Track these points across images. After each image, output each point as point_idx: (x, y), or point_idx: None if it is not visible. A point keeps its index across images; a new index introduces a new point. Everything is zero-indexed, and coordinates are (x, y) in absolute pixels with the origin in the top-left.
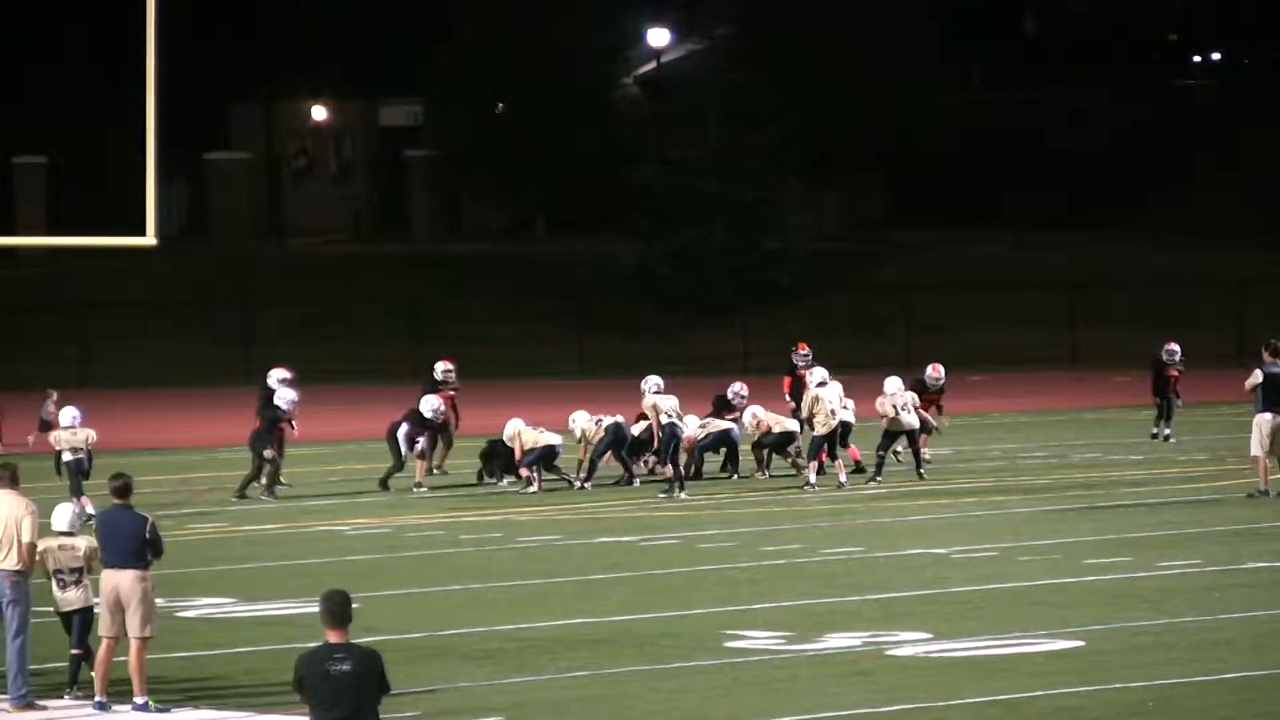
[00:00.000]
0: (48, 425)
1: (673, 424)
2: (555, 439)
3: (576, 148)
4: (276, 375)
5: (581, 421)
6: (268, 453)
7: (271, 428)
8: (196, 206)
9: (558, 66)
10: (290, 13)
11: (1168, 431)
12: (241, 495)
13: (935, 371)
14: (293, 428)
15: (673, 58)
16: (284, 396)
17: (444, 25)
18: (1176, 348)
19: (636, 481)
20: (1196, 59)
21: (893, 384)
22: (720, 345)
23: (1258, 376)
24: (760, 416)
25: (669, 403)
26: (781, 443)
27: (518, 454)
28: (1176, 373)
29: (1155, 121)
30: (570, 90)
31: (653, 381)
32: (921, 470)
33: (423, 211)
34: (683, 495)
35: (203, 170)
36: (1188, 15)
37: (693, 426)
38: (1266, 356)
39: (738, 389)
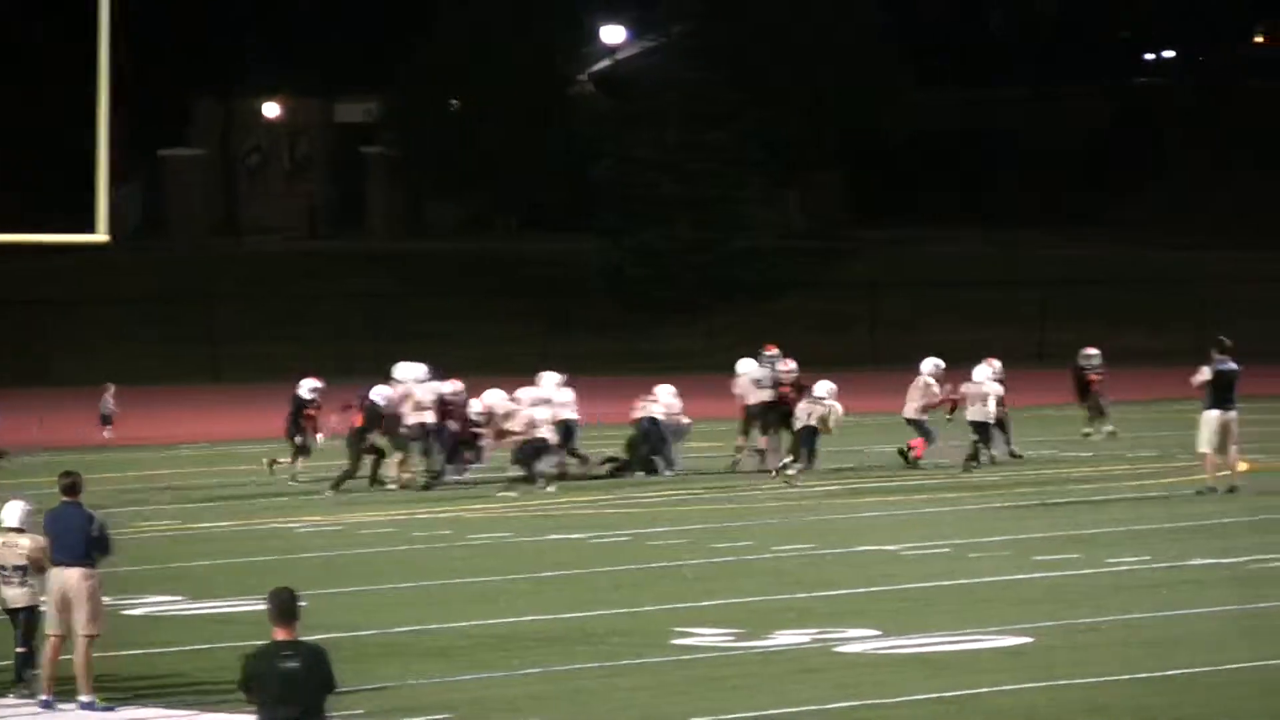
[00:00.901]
0: (108, 419)
1: (543, 436)
2: None
3: (536, 145)
4: (308, 385)
5: (498, 402)
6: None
7: (373, 424)
8: (153, 204)
9: (514, 64)
10: (246, 9)
11: (1109, 428)
12: (337, 488)
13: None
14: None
15: (627, 55)
16: (380, 393)
17: (400, 23)
18: (1094, 351)
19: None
20: (1150, 56)
21: (979, 373)
22: (685, 343)
23: (1205, 374)
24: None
25: (544, 413)
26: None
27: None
28: (1097, 376)
29: (1118, 120)
30: (527, 88)
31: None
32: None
33: (379, 209)
34: (513, 494)
35: (158, 167)
36: (1144, 13)
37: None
38: (1215, 354)
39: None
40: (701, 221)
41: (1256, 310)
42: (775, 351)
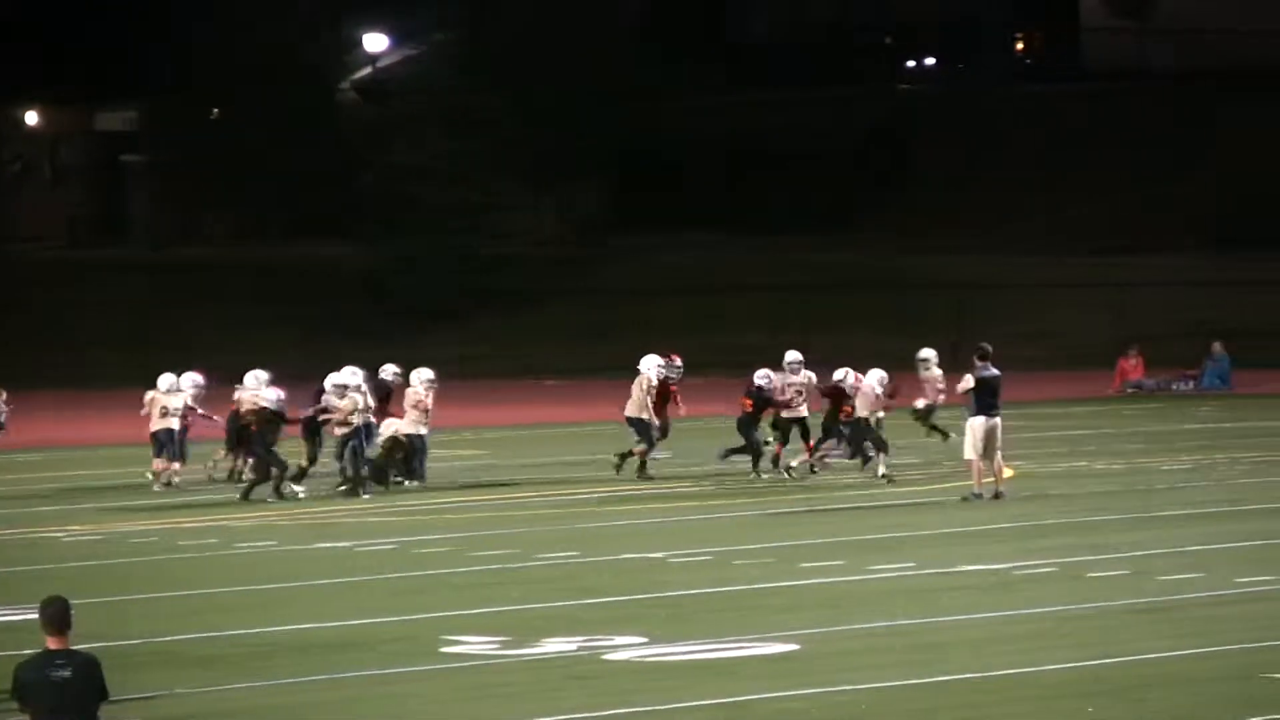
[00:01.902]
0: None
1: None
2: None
3: (297, 153)
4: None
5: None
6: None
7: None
8: None
9: (276, 71)
10: (6, 16)
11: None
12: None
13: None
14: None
15: (390, 63)
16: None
17: (161, 31)
18: (673, 359)
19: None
20: (911, 64)
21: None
22: (445, 350)
23: (969, 381)
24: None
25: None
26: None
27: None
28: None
29: (879, 125)
30: (289, 95)
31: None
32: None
33: (142, 217)
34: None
35: None
36: (903, 20)
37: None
38: (977, 361)
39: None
40: (460, 228)
41: (1011, 316)
42: (679, 362)
